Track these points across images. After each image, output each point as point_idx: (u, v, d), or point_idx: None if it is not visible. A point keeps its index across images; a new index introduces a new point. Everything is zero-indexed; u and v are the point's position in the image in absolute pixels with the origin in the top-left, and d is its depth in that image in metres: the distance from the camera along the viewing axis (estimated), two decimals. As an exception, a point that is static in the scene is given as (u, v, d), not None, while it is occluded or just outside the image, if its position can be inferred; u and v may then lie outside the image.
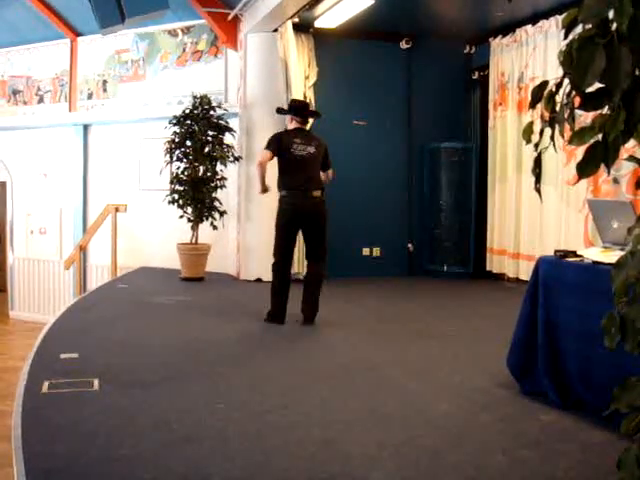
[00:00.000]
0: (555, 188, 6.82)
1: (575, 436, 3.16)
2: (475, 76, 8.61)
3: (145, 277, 8.53)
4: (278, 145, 5.48)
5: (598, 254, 3.50)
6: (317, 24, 7.74)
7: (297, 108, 5.69)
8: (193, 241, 8.09)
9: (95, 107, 9.81)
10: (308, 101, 5.61)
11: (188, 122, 7.96)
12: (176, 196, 8.02)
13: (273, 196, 8.05)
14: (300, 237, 5.77)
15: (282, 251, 5.56)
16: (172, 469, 2.77)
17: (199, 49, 8.93)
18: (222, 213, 8.10)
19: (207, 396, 3.74)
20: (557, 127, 1.60)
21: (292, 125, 5.66)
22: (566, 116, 1.57)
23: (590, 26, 1.48)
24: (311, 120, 5.73)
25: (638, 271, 1.51)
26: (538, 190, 1.80)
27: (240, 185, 8.27)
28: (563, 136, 1.61)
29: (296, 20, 7.54)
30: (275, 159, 5.57)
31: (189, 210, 8.03)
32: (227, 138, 8.06)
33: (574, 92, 1.53)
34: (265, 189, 5.67)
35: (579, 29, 1.54)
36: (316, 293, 5.57)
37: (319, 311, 5.59)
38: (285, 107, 6.02)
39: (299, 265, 7.84)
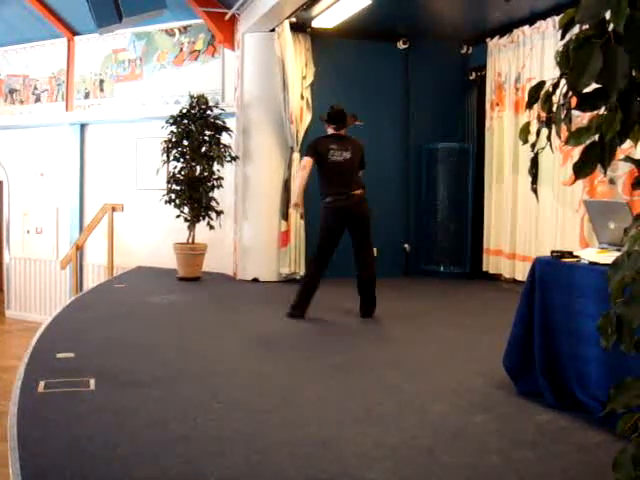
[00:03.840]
0: (551, 189, 6.82)
1: (571, 436, 3.16)
2: (472, 76, 8.60)
3: (141, 277, 8.52)
4: (315, 151, 5.74)
5: (594, 255, 3.51)
6: (314, 24, 7.73)
7: (330, 115, 5.90)
8: (190, 241, 8.08)
9: (92, 107, 9.80)
10: (341, 108, 5.86)
11: (185, 122, 7.95)
12: (173, 196, 8.01)
13: (271, 197, 8.14)
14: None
15: (321, 252, 5.80)
16: (169, 468, 2.77)
17: (196, 49, 8.93)
18: (219, 213, 8.09)
19: (204, 396, 3.73)
20: (554, 127, 1.60)
21: (329, 131, 5.91)
22: (563, 116, 1.57)
23: (587, 27, 1.49)
24: (358, 122, 5.93)
25: (634, 272, 1.52)
26: (535, 190, 1.80)
27: (237, 185, 8.27)
28: (560, 136, 1.61)
29: (293, 20, 7.54)
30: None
31: (186, 210, 8.02)
32: (224, 138, 8.05)
33: (571, 92, 1.53)
34: (298, 203, 5.79)
35: (576, 30, 1.54)
36: (372, 291, 5.84)
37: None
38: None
39: (296, 264, 7.83)
